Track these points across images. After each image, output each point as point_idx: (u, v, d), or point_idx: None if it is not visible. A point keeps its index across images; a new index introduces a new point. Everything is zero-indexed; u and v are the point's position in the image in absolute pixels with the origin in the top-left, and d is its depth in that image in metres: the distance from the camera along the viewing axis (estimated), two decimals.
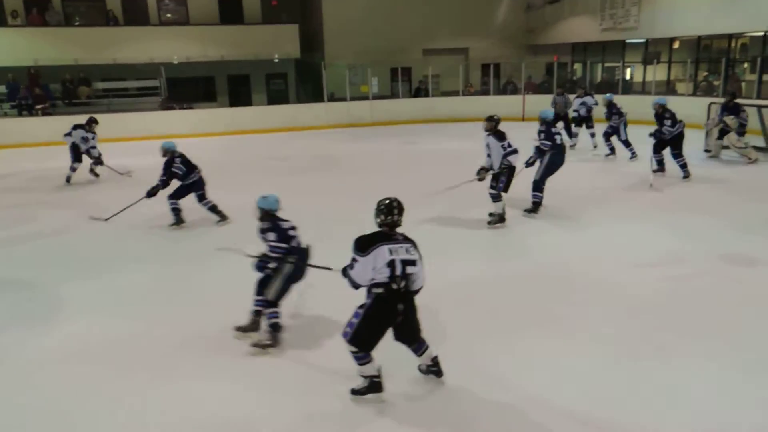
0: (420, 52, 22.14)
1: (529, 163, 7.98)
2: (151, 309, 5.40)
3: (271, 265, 4.58)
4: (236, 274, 5.12)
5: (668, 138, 9.59)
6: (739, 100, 11.31)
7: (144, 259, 6.69)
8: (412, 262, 3.61)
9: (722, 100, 11.82)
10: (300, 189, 8.93)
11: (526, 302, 5.28)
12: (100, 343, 4.75)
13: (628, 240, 6.90)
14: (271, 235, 4.58)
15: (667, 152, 9.81)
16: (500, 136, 7.28)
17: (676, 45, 18.17)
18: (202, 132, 16.37)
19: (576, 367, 4.16)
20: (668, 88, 18.22)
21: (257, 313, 4.72)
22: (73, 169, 10.76)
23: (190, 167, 7.68)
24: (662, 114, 9.57)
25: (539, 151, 7.82)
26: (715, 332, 4.64)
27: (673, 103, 16.26)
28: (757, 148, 11.25)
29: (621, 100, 12.97)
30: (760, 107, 11.73)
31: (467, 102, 19.07)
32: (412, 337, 3.83)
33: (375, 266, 3.54)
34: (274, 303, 4.60)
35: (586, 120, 12.74)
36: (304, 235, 4.75)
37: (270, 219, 4.66)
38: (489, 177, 7.43)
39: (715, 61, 16.58)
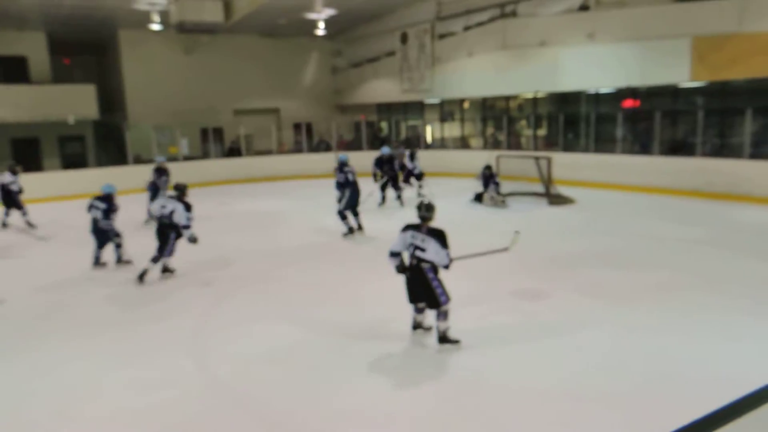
0: (231, 112, 22.04)
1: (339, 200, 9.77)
2: None
3: None
4: None
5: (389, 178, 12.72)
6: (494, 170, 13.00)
7: None
8: (422, 249, 5.16)
9: (508, 152, 13.41)
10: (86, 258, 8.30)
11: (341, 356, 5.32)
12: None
13: None
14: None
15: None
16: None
17: (466, 105, 20.31)
18: None
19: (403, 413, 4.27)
20: (462, 143, 20.19)
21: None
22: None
23: None
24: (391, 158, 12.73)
25: (338, 186, 9.81)
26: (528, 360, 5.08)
27: (468, 156, 17.99)
28: (538, 194, 13.05)
29: (423, 155, 14.00)
30: (537, 158, 13.46)
31: (282, 161, 19.28)
32: (426, 300, 5.31)
33: (403, 243, 5.28)
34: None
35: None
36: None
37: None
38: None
39: (499, 118, 18.80)
